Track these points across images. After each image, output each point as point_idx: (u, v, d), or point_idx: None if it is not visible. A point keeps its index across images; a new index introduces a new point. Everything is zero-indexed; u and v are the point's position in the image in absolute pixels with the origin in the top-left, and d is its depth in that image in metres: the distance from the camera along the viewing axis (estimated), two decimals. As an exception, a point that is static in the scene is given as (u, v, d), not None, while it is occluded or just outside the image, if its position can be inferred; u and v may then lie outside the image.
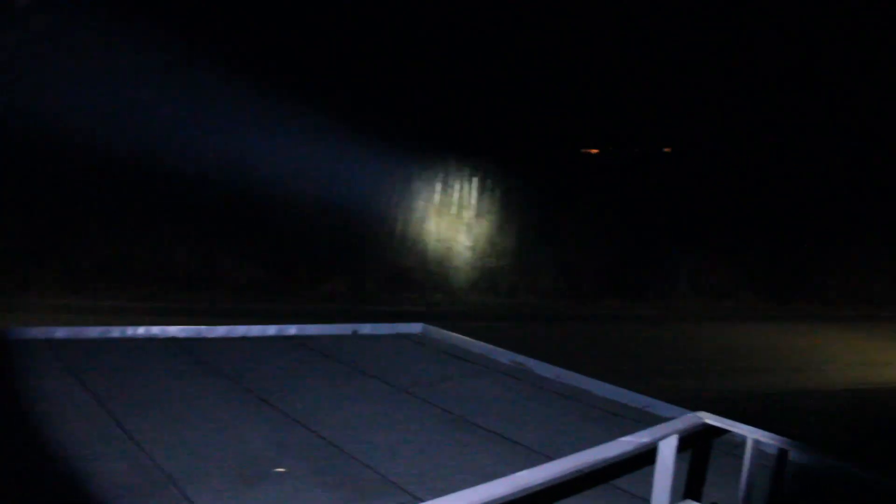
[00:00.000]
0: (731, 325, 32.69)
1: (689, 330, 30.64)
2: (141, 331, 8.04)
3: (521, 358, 8.27)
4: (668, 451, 3.45)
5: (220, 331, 8.43)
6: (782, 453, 5.13)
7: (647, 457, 3.67)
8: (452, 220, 33.01)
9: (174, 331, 8.22)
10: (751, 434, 3.61)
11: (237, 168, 26.94)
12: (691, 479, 4.92)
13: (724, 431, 3.97)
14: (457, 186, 33.50)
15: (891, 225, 41.44)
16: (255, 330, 8.60)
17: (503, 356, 8.42)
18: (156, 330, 8.13)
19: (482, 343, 8.85)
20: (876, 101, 45.08)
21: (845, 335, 32.15)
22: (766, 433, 3.73)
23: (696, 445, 5.28)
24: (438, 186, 33.09)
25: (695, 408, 6.17)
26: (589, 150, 42.88)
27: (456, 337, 9.15)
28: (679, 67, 39.23)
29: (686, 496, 4.31)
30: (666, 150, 43.65)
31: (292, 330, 8.82)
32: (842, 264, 40.95)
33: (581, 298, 33.38)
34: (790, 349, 28.34)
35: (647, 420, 6.34)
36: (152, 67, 26.57)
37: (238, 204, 27.68)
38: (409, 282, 30.90)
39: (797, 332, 32.22)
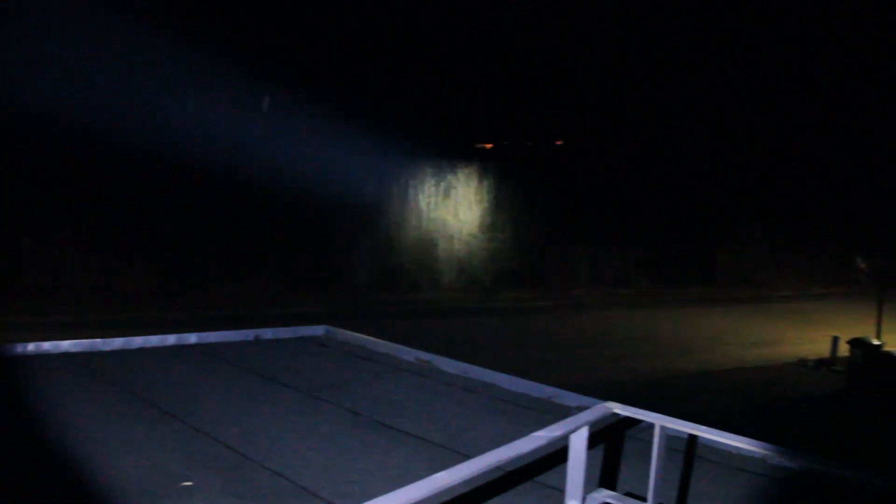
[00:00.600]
0: (629, 311, 33.65)
1: (587, 318, 31.35)
2: (31, 347, 7.67)
3: (426, 355, 8.29)
4: (579, 442, 3.50)
5: (116, 343, 8.13)
6: (692, 438, 5.31)
7: (560, 449, 3.72)
8: (353, 218, 32.74)
9: (67, 345, 7.88)
10: (659, 421, 3.69)
11: (131, 168, 26.14)
12: (605, 468, 5.03)
13: (634, 420, 4.06)
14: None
15: (773, 212, 43.51)
16: (153, 340, 8.34)
17: (408, 354, 8.42)
18: (47, 346, 7.78)
19: (387, 342, 8.84)
20: (758, 93, 47.19)
21: (736, 317, 33.56)
22: (674, 419, 3.83)
23: (607, 435, 5.40)
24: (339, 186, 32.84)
25: (601, 395, 6.31)
26: (483, 145, 43.32)
27: (360, 337, 9.10)
28: (570, 61, 40.04)
29: (600, 486, 4.40)
30: (558, 142, 44.51)
31: (192, 338, 8.59)
32: (730, 250, 42.72)
33: (482, 292, 33.68)
34: (686, 331, 29.39)
35: (555, 410, 6.45)
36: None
37: (129, 208, 26.79)
38: (311, 283, 30.38)
39: (691, 315, 33.44)
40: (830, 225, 43.37)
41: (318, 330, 9.56)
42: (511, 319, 30.27)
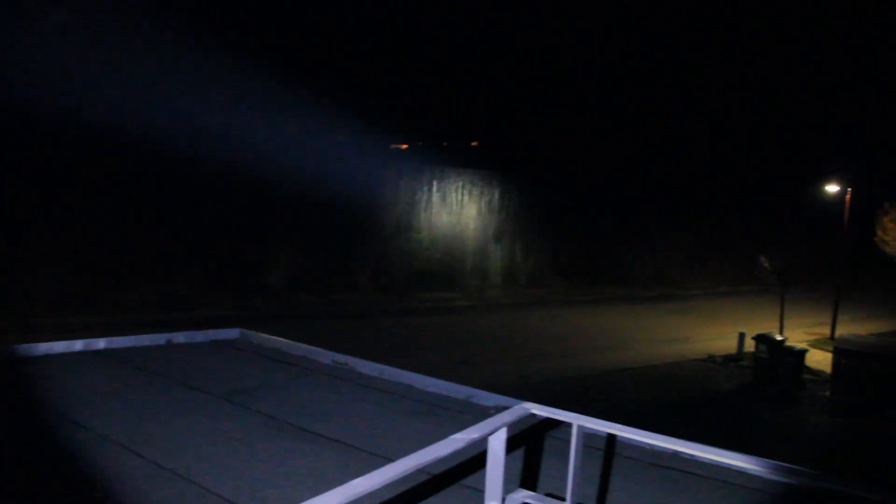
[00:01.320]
0: (542, 310, 34.06)
1: (501, 318, 31.65)
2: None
3: (342, 357, 8.20)
4: (497, 444, 3.50)
5: (18, 350, 7.79)
6: (610, 438, 5.38)
7: (479, 451, 3.72)
8: (269, 217, 32.16)
9: (-37, 354, 7.53)
10: (576, 420, 3.71)
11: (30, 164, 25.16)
12: (525, 469, 5.05)
13: (552, 420, 4.08)
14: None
15: (684, 214, 44.72)
16: (59, 346, 8.01)
17: (325, 357, 8.32)
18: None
19: (302, 345, 8.70)
20: (673, 101, 48.46)
21: (649, 315, 34.36)
22: (592, 419, 3.86)
23: (527, 436, 5.42)
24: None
25: (519, 394, 6.35)
26: (398, 146, 43.31)
27: (275, 340, 8.95)
28: (485, 66, 40.38)
29: (521, 486, 4.41)
30: (474, 143, 44.84)
31: (101, 344, 8.28)
32: (642, 250, 43.70)
33: (399, 293, 33.60)
34: (601, 330, 29.94)
35: (472, 411, 6.47)
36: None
37: (29, 205, 25.71)
38: (226, 285, 29.69)
39: (606, 314, 34.10)
40: (738, 226, 44.84)
41: (232, 333, 9.36)
42: (428, 319, 30.33)
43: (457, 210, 37.84)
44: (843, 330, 28.49)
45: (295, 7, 31.70)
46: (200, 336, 9.13)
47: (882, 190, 31.89)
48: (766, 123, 54.36)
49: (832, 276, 31.60)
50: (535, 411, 3.96)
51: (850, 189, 31.83)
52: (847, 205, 31.58)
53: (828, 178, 34.41)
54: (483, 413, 5.90)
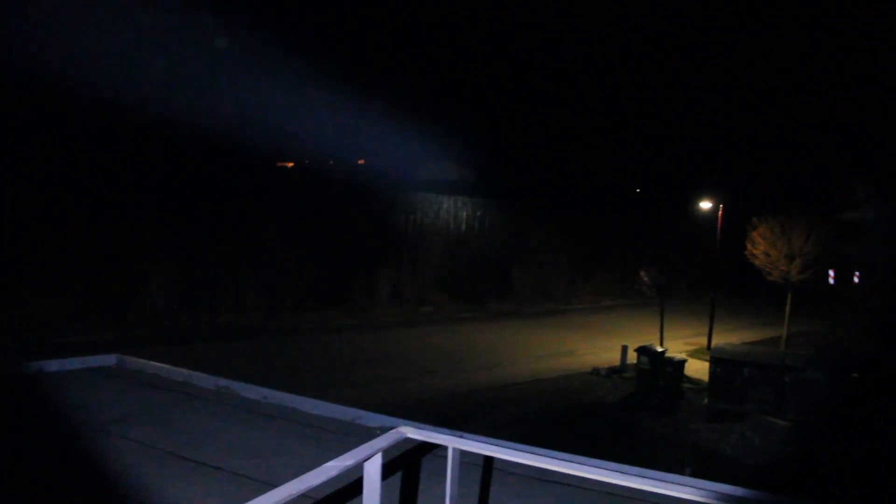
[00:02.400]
0: (429, 328, 34.13)
1: (388, 336, 31.56)
2: None
3: (225, 382, 8.02)
4: (373, 469, 3.46)
5: None
6: (487, 460, 5.42)
7: (356, 480, 3.67)
8: (148, 235, 31.07)
9: None
10: (452, 443, 3.71)
11: None
12: (404, 493, 5.04)
13: (428, 443, 4.06)
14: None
15: (560, 230, 45.76)
16: None
17: (207, 381, 8.12)
18: None
19: (184, 370, 8.46)
20: (545, 123, 49.60)
21: (534, 330, 34.91)
22: (469, 441, 3.88)
23: (404, 460, 5.41)
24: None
25: (403, 414, 6.34)
26: (284, 164, 42.86)
27: (155, 365, 8.67)
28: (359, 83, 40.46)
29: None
30: (360, 161, 44.77)
31: (-37, 375, 7.85)
32: (526, 267, 44.43)
33: (285, 313, 33.06)
34: (488, 346, 30.22)
35: (358, 432, 6.43)
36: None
37: None
38: (104, 306, 28.37)
39: (493, 330, 34.43)
40: (619, 241, 46.17)
41: (109, 359, 9.00)
42: (316, 339, 29.96)
43: (344, 230, 37.61)
44: (718, 339, 29.64)
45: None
46: (75, 363, 8.73)
47: (752, 206, 33.42)
48: (643, 141, 56.44)
49: (708, 288, 32.92)
50: (410, 435, 3.94)
51: (721, 205, 33.32)
52: (720, 220, 33.03)
53: (703, 195, 35.93)
54: (369, 434, 5.86)
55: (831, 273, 37.42)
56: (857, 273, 39.92)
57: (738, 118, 63.70)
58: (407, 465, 5.41)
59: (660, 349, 24.30)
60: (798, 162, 51.73)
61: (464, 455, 3.86)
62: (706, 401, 23.09)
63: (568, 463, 3.90)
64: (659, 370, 23.53)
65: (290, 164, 43.82)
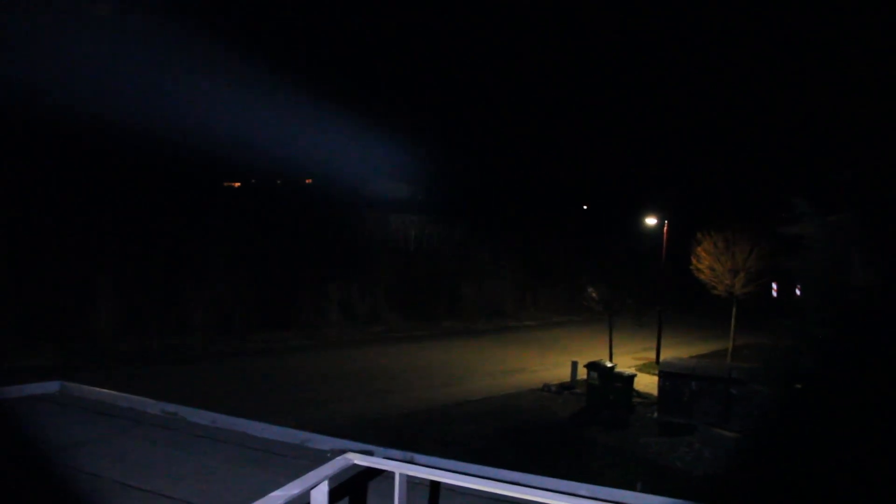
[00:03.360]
0: (381, 347, 34.00)
1: (340, 356, 31.36)
2: None
3: (172, 407, 7.87)
4: (320, 497, 3.41)
5: None
6: (434, 485, 5.40)
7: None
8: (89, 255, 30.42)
9: None
10: (399, 469, 3.68)
11: None
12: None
13: (375, 469, 4.01)
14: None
15: (514, 248, 46.02)
16: None
17: (153, 407, 7.97)
18: None
19: (129, 395, 8.28)
20: (491, 139, 49.96)
21: (485, 347, 35.00)
22: (415, 466, 3.86)
23: (350, 486, 5.35)
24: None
25: (355, 435, 6.28)
26: (231, 184, 42.48)
27: (99, 392, 8.48)
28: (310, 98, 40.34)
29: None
30: (308, 181, 44.59)
31: None
32: (476, 284, 44.55)
33: (233, 333, 32.65)
34: (439, 365, 30.20)
35: (308, 455, 6.37)
36: None
37: None
38: (45, 331, 27.60)
39: (444, 348, 34.44)
40: (567, 257, 46.52)
41: (52, 386, 8.77)
42: (265, 361, 29.65)
43: (289, 248, 37.34)
44: (667, 354, 30.03)
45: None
46: (15, 391, 8.49)
47: (696, 221, 33.96)
48: (590, 158, 57.15)
49: (655, 303, 33.34)
50: (357, 461, 3.91)
51: (666, 221, 33.83)
52: (665, 236, 33.54)
53: (648, 211, 36.45)
54: (319, 457, 5.83)
55: (774, 286, 38.17)
56: (798, 286, 40.80)
57: (682, 136, 64.94)
58: (354, 492, 5.35)
59: (609, 364, 24.54)
60: (739, 178, 52.87)
61: (413, 478, 3.85)
62: (656, 414, 23.37)
63: (515, 486, 3.91)
64: (609, 385, 23.76)
65: (237, 184, 43.46)
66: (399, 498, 3.67)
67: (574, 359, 27.50)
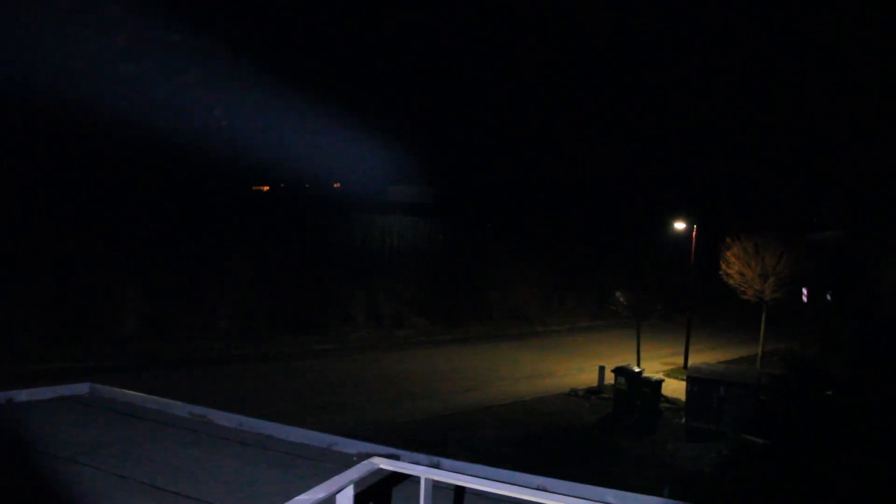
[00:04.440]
0: (406, 351, 34.05)
1: (365, 360, 31.43)
2: None
3: (200, 409, 7.89)
4: (345, 502, 3.41)
5: None
6: (460, 490, 5.37)
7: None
8: (117, 262, 30.70)
9: None
10: (425, 473, 3.66)
11: None
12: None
13: (400, 474, 3.99)
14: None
15: (542, 252, 45.89)
16: None
17: (181, 409, 7.99)
18: None
19: (157, 398, 8.31)
20: (521, 139, 49.88)
21: (511, 352, 34.92)
22: (441, 471, 3.83)
23: (376, 491, 5.34)
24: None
25: (382, 439, 6.27)
26: (260, 188, 42.73)
27: (128, 394, 8.52)
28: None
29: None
30: (336, 185, 44.76)
31: (-72, 406, 7.67)
32: (502, 289, 44.50)
33: (259, 338, 32.80)
34: (465, 369, 30.18)
35: (335, 459, 6.37)
36: None
37: None
38: (75, 333, 27.90)
39: (469, 352, 34.41)
40: (594, 262, 46.33)
41: (82, 388, 8.81)
42: (289, 365, 29.78)
43: (316, 253, 37.49)
44: (695, 359, 29.84)
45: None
46: (46, 392, 8.55)
47: (725, 226, 33.74)
48: (618, 163, 56.87)
49: (683, 308, 33.13)
50: (382, 466, 3.90)
51: (695, 226, 33.60)
52: (693, 240, 33.30)
53: (677, 216, 36.25)
54: (345, 461, 5.83)
55: (805, 292, 37.79)
56: (828, 292, 40.41)
57: (713, 142, 64.48)
58: (380, 497, 5.33)
59: (637, 370, 24.40)
60: (770, 184, 52.38)
61: (439, 483, 3.82)
62: (684, 420, 23.19)
63: (542, 492, 3.88)
64: (636, 390, 23.61)
65: (266, 188, 43.72)
66: (424, 501, 3.65)
67: (601, 363, 27.37)
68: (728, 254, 31.42)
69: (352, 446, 6.71)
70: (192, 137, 33.71)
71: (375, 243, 40.76)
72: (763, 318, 31.04)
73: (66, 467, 6.05)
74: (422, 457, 6.16)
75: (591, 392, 26.38)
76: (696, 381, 22.94)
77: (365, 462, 3.82)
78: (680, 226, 35.95)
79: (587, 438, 21.57)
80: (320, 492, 3.36)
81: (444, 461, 6.07)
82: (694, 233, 33.47)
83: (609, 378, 25.35)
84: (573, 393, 26.29)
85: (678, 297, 35.14)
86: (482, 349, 35.42)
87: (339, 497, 3.45)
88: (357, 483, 3.56)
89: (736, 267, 31.06)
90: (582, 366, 30.46)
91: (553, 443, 20.62)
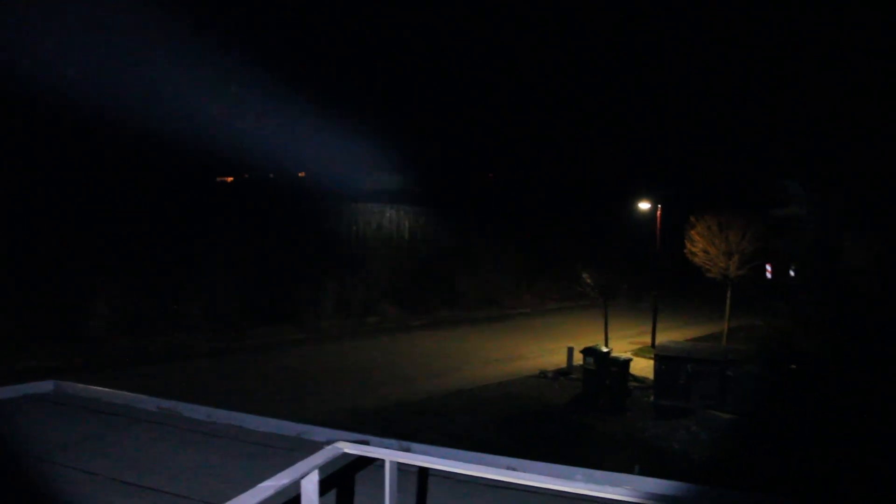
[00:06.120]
0: (377, 338, 34.04)
1: (337, 348, 31.40)
2: None
3: (168, 403, 7.86)
4: (311, 487, 3.46)
5: None
6: (422, 471, 5.41)
7: (295, 498, 3.70)
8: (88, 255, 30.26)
9: None
10: (389, 456, 3.68)
11: None
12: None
13: (366, 457, 4.00)
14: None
15: (510, 235, 46.01)
16: None
17: (149, 404, 7.94)
18: None
19: (125, 393, 8.25)
20: (483, 131, 49.91)
21: (481, 336, 35.05)
22: (406, 453, 3.86)
23: (342, 475, 5.37)
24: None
25: (354, 426, 6.28)
26: (224, 179, 42.36)
27: (94, 390, 8.45)
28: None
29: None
30: (301, 174, 44.49)
31: None
32: (471, 273, 44.56)
33: (232, 331, 32.58)
34: (436, 354, 30.26)
35: (305, 447, 6.35)
36: None
37: None
38: (42, 331, 27.42)
39: (440, 337, 34.49)
40: (561, 244, 46.54)
41: (46, 385, 8.70)
42: (262, 356, 29.67)
43: (285, 243, 37.28)
44: (662, 337, 30.11)
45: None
46: (10, 391, 8.45)
47: (689, 205, 34.05)
48: (582, 145, 57.14)
49: (650, 288, 33.44)
50: (347, 450, 3.90)
51: (659, 206, 33.89)
52: (658, 220, 33.60)
53: (641, 196, 36.53)
54: (316, 449, 5.81)
55: (768, 268, 38.29)
56: (791, 268, 40.99)
57: (674, 121, 65.00)
58: (345, 481, 5.38)
59: (605, 349, 24.61)
60: (733, 162, 52.95)
61: (406, 466, 3.84)
62: (652, 398, 23.47)
63: (511, 472, 3.91)
64: (605, 370, 23.81)
65: (230, 179, 43.34)
66: (390, 484, 3.67)
67: (570, 344, 27.58)
68: (692, 232, 31.73)
69: (322, 434, 6.72)
70: (156, 128, 33.25)
71: (345, 232, 40.58)
72: (728, 295, 31.43)
73: (34, 466, 6.00)
74: (392, 442, 6.19)
75: (560, 373, 26.58)
76: (664, 359, 23.21)
77: (329, 447, 3.83)
78: (645, 206, 36.25)
79: (558, 419, 21.75)
80: (284, 478, 3.37)
81: (415, 445, 6.10)
82: (658, 212, 33.75)
83: (578, 359, 25.54)
84: (543, 375, 26.48)
85: (645, 276, 35.47)
86: (452, 334, 35.50)
87: (303, 482, 3.46)
88: (322, 468, 3.57)
89: (700, 245, 31.39)
90: (552, 347, 30.65)
91: (524, 425, 20.77)
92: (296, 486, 3.46)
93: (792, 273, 41.40)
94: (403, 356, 29.69)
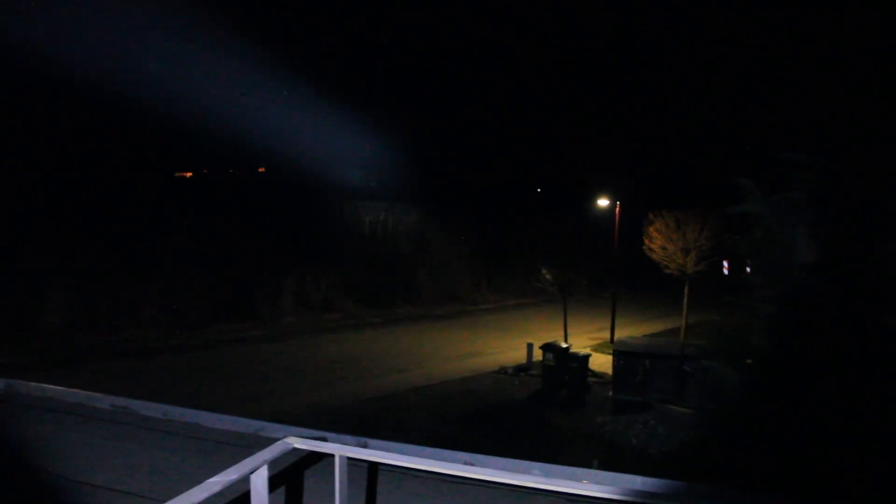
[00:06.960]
0: (337, 335, 33.90)
1: (296, 345, 31.20)
2: None
3: (122, 400, 7.73)
4: (260, 482, 3.45)
5: None
6: (377, 467, 5.40)
7: (244, 494, 3.67)
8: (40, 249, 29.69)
9: None
10: (340, 451, 3.65)
11: None
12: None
13: (318, 452, 3.96)
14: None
15: (468, 230, 46.08)
16: None
17: (103, 401, 7.81)
18: None
19: (78, 391, 8.10)
20: (437, 122, 49.88)
21: (442, 332, 35.08)
22: (356, 448, 3.82)
23: (292, 470, 5.35)
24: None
25: (312, 423, 6.24)
26: (183, 174, 41.88)
27: (47, 388, 8.28)
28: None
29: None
30: (261, 169, 44.13)
31: None
32: (431, 269, 44.61)
33: (186, 327, 32.23)
34: (396, 350, 30.22)
35: (262, 444, 6.29)
36: None
37: None
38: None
39: (400, 334, 34.45)
40: (521, 241, 46.75)
41: (-4, 384, 8.57)
42: (220, 353, 29.39)
43: (245, 238, 36.99)
44: (621, 333, 30.43)
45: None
46: (-45, 394, 8.28)
47: (648, 202, 34.38)
48: (542, 142, 57.42)
49: (609, 284, 33.75)
50: (297, 445, 3.87)
51: (618, 202, 34.21)
52: (617, 217, 33.91)
53: (600, 193, 36.83)
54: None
55: (725, 264, 38.78)
56: (748, 263, 41.57)
57: (634, 118, 65.59)
58: (295, 476, 5.37)
59: (564, 345, 24.78)
60: (691, 159, 53.55)
61: (359, 462, 3.83)
62: (611, 393, 23.68)
63: (467, 466, 3.92)
64: (564, 366, 24.00)
65: (189, 174, 42.85)
66: (340, 480, 3.65)
67: (530, 341, 27.70)
68: (651, 229, 32.06)
69: (279, 431, 6.68)
70: (113, 120, 32.77)
71: (305, 228, 40.34)
72: (686, 291, 31.82)
73: (-17, 466, 5.89)
74: (349, 438, 6.17)
75: (520, 369, 26.70)
76: (622, 354, 23.44)
77: (279, 443, 3.79)
78: (604, 203, 36.55)
79: (518, 415, 21.85)
80: (233, 473, 3.33)
81: (372, 441, 6.09)
82: (617, 209, 34.06)
83: (538, 355, 25.67)
84: (502, 371, 26.58)
85: (604, 273, 35.77)
86: (413, 331, 35.50)
87: (252, 478, 3.43)
88: (272, 463, 3.54)
89: (658, 242, 31.72)
90: (511, 343, 30.77)
91: (484, 421, 20.84)
92: (245, 482, 3.43)
93: (748, 270, 42.00)
94: (363, 353, 29.61)
